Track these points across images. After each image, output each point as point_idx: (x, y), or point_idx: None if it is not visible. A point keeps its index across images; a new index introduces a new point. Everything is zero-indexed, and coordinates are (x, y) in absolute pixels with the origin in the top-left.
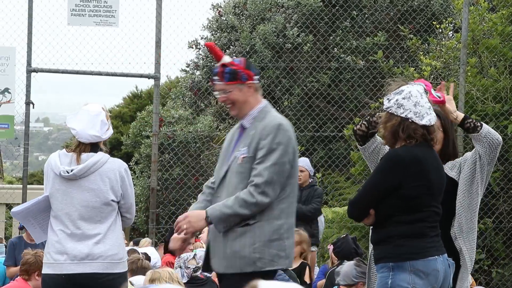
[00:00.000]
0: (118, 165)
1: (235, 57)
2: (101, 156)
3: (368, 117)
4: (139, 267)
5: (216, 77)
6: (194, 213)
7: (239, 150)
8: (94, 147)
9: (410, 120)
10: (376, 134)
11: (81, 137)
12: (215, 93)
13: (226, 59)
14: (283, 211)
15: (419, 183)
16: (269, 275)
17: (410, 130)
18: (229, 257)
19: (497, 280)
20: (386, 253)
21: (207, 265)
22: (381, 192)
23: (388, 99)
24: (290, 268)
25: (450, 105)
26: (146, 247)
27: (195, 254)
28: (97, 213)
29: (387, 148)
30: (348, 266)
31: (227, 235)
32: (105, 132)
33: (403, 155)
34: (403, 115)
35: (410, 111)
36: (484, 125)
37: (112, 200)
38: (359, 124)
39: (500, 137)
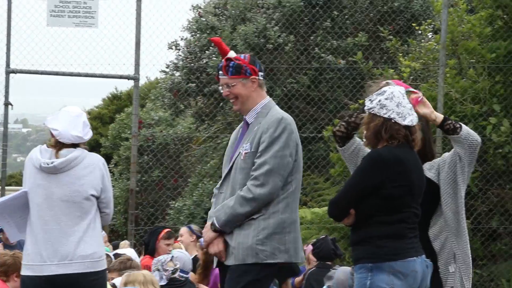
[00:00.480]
0: (97, 160)
1: (241, 54)
2: (81, 151)
3: (347, 118)
4: (127, 267)
5: (220, 72)
6: (205, 228)
7: (243, 146)
8: (73, 144)
9: (393, 121)
10: (355, 135)
11: (63, 137)
12: (219, 87)
13: (232, 53)
14: (288, 206)
15: (400, 183)
16: (270, 268)
17: (393, 131)
18: (233, 248)
19: (475, 280)
20: (366, 253)
21: (219, 261)
22: (362, 192)
23: (370, 99)
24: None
25: (426, 107)
26: (125, 248)
27: (172, 256)
28: (77, 208)
29: (366, 149)
30: (343, 274)
31: (232, 231)
32: (86, 133)
33: (384, 155)
34: (386, 116)
35: (393, 112)
36: (464, 126)
37: (92, 195)
38: (338, 125)
39: (479, 138)
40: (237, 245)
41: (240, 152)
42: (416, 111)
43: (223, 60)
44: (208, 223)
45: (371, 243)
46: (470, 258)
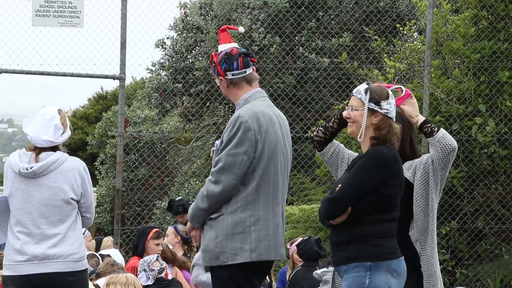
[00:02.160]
0: (77, 164)
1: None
2: (60, 155)
3: (325, 123)
4: (115, 270)
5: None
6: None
7: (215, 143)
8: (53, 147)
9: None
10: (333, 139)
11: (35, 142)
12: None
13: (219, 48)
14: (249, 203)
15: (396, 182)
16: (236, 268)
17: (398, 132)
18: (202, 251)
19: (461, 280)
20: (363, 252)
21: None
22: (367, 190)
23: (389, 103)
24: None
25: (413, 109)
26: (109, 248)
27: (158, 256)
28: (57, 212)
29: (346, 150)
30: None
31: (202, 231)
32: (59, 136)
33: (387, 154)
34: (392, 118)
35: (393, 113)
36: (442, 130)
37: (72, 199)
38: (316, 130)
39: (455, 144)
40: (203, 248)
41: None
42: (400, 109)
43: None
44: None
45: (368, 241)
46: (434, 262)
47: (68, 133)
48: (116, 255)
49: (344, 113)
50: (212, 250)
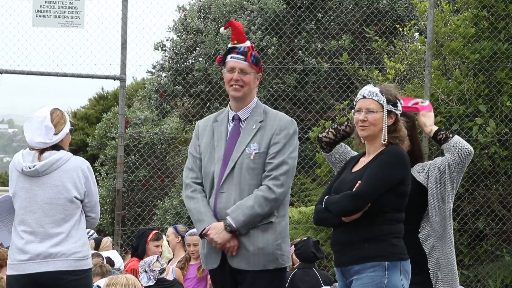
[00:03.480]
0: (80, 163)
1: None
2: (64, 154)
3: (337, 125)
4: (104, 272)
5: (241, 56)
6: (214, 228)
7: (250, 146)
8: (55, 147)
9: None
10: (341, 142)
11: (31, 145)
12: (228, 69)
13: (249, 43)
14: (287, 207)
15: (409, 182)
16: (284, 271)
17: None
18: (252, 254)
19: (461, 281)
20: (381, 251)
21: (222, 261)
22: (387, 187)
23: (400, 103)
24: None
25: (429, 120)
26: (108, 249)
27: (158, 257)
28: (61, 211)
29: (352, 151)
30: None
31: (249, 233)
32: (52, 136)
33: (404, 153)
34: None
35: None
36: (456, 136)
37: (75, 197)
38: (326, 131)
39: (471, 148)
40: (257, 251)
41: (244, 151)
42: (418, 116)
43: (243, 44)
44: (219, 224)
45: (385, 241)
46: (454, 265)
47: (63, 131)
48: (116, 257)
49: (360, 117)
50: (272, 253)
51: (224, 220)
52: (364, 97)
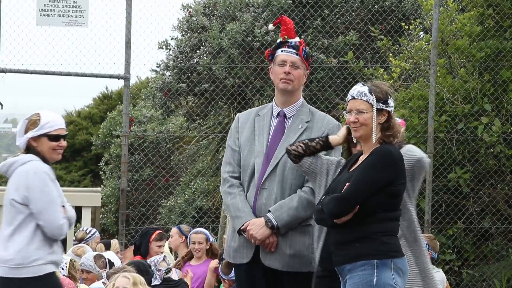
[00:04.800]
0: (33, 167)
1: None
2: (21, 157)
3: (307, 141)
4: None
5: (293, 49)
6: (254, 224)
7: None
8: (29, 150)
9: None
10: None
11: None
12: (278, 63)
13: (295, 39)
14: None
15: (403, 181)
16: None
17: (398, 129)
18: (289, 256)
19: (467, 281)
20: (370, 250)
21: (253, 257)
22: (376, 188)
23: (391, 99)
24: None
25: None
26: (116, 252)
27: (164, 256)
28: (6, 213)
29: (324, 157)
30: None
31: (287, 233)
32: (20, 138)
33: (394, 152)
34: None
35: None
36: (408, 145)
37: (14, 200)
38: (295, 145)
39: (420, 155)
40: (294, 253)
41: None
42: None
43: (294, 39)
44: (260, 220)
45: (375, 239)
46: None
47: (26, 136)
48: (115, 259)
49: (351, 118)
50: (307, 256)
51: (264, 217)
52: (353, 97)
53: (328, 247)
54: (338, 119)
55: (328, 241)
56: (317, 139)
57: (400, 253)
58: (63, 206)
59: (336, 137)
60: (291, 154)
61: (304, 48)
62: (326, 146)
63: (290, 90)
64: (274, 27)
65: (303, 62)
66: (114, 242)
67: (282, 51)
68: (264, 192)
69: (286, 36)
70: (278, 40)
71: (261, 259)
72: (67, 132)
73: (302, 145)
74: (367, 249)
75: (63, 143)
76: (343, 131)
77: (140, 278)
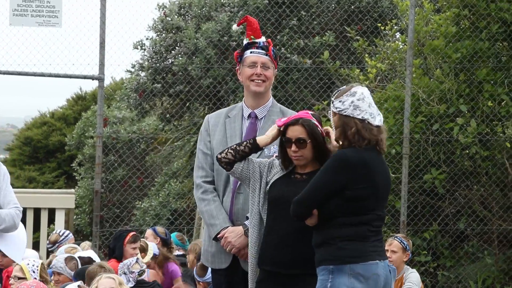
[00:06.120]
0: None
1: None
2: None
3: (235, 146)
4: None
5: (262, 50)
6: (232, 232)
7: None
8: None
9: (366, 122)
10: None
11: None
12: (248, 64)
13: (262, 39)
14: None
15: (364, 185)
16: None
17: (366, 132)
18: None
19: (442, 282)
20: (327, 255)
21: (232, 262)
22: (329, 192)
23: (341, 101)
24: None
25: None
26: (87, 250)
27: (137, 259)
28: None
29: (256, 160)
30: None
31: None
32: None
33: (350, 156)
34: (359, 117)
35: (366, 112)
36: None
37: None
38: (225, 152)
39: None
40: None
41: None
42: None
43: (261, 39)
44: (238, 228)
45: (332, 244)
46: None
47: None
48: (96, 258)
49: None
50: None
51: (243, 225)
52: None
53: (269, 249)
54: None
55: (268, 243)
56: (245, 143)
57: (362, 258)
58: None
59: (264, 137)
60: (222, 162)
61: (272, 48)
62: (255, 148)
63: (263, 91)
64: (238, 28)
65: (272, 62)
66: (84, 244)
67: (251, 52)
68: (241, 197)
69: (252, 37)
70: (245, 41)
71: (241, 264)
72: None
73: (232, 151)
74: (325, 254)
75: None
76: (271, 131)
77: (120, 278)
